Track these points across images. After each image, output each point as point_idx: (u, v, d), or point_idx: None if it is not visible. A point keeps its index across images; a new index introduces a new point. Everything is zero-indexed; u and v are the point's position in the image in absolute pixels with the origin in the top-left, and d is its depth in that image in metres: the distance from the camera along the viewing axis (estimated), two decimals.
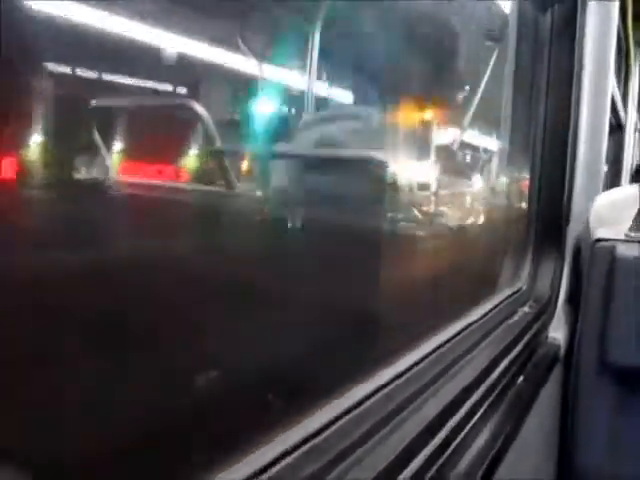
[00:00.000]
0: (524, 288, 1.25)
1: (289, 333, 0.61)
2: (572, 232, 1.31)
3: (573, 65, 1.22)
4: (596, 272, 1.18)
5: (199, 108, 1.07)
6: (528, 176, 1.34)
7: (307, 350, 0.62)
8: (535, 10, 1.27)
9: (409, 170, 0.99)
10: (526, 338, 1.06)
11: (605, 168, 3.07)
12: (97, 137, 0.65)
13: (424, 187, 1.05)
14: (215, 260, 0.60)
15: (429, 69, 1.24)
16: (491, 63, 1.65)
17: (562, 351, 1.20)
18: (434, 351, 0.76)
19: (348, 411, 0.54)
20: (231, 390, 0.52)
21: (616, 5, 1.31)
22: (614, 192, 1.81)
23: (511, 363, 0.93)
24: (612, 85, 1.44)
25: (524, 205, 1.37)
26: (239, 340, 0.55)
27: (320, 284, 0.71)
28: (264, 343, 0.57)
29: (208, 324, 0.52)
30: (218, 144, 1.06)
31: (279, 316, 0.61)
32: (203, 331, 0.52)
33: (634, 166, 3.81)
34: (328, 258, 0.74)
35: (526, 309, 1.18)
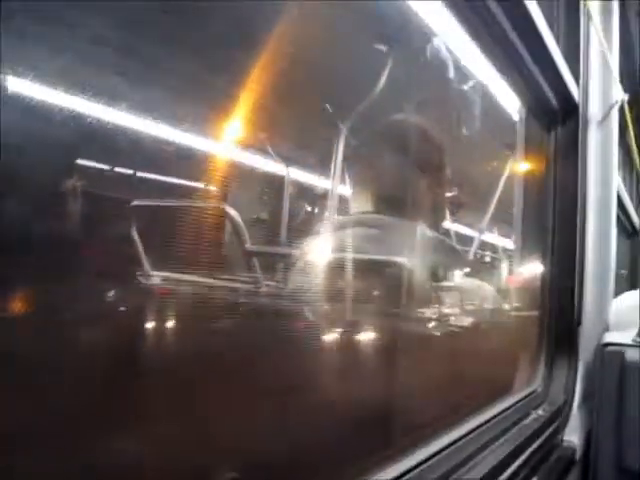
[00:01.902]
0: (539, 390, 1.28)
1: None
2: (585, 334, 1.35)
3: (577, 178, 1.31)
4: (607, 376, 1.21)
5: (231, 210, 1.18)
6: (540, 276, 1.40)
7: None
8: (540, 128, 1.39)
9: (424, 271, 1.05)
10: (540, 440, 1.08)
11: (624, 272, 3.12)
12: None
13: (438, 288, 1.12)
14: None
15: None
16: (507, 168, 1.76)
17: (578, 454, 1.20)
18: (446, 447, 0.80)
19: None
20: None
21: (616, 126, 1.43)
22: (629, 295, 1.85)
23: (524, 464, 0.96)
24: (616, 196, 1.52)
25: (537, 306, 1.42)
26: None
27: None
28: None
29: None
30: (248, 245, 1.15)
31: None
32: None
33: None
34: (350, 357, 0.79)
35: (540, 411, 1.20)
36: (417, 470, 0.69)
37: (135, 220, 0.63)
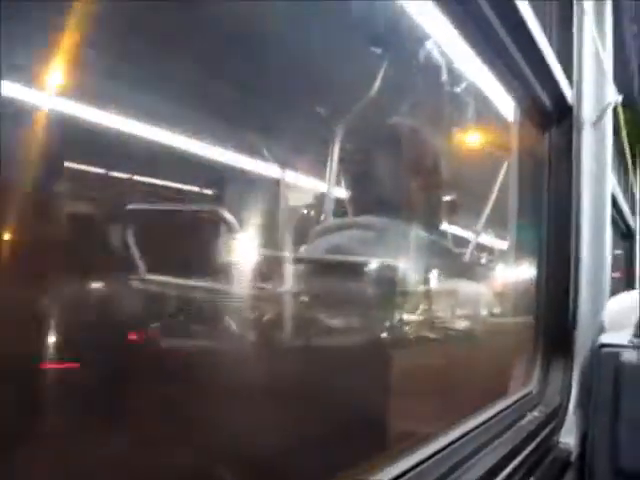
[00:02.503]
0: (534, 392, 1.28)
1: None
2: (580, 336, 1.35)
3: (571, 181, 1.31)
4: (603, 378, 1.21)
5: (227, 215, 1.17)
6: (535, 277, 1.40)
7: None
8: (535, 129, 1.39)
9: (415, 276, 1.05)
10: (536, 442, 1.08)
11: (618, 274, 3.12)
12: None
13: (427, 294, 1.11)
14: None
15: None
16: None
17: (574, 456, 1.20)
18: (442, 449, 0.80)
19: None
20: None
21: (609, 128, 1.43)
22: (624, 296, 1.85)
23: (520, 466, 0.96)
24: (611, 197, 1.53)
25: (532, 308, 1.42)
26: None
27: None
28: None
29: None
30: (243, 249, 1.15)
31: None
32: None
33: None
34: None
35: (536, 413, 1.20)
36: (412, 473, 0.69)
37: None
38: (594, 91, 1.42)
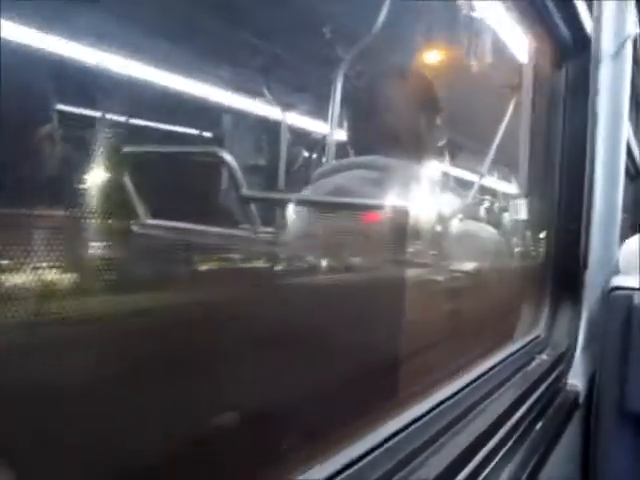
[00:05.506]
0: (542, 335, 1.26)
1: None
2: (590, 279, 1.33)
3: (587, 117, 1.26)
4: (613, 321, 1.19)
5: (227, 155, 1.12)
6: (546, 219, 1.36)
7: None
8: (550, 64, 1.32)
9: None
10: (544, 385, 1.07)
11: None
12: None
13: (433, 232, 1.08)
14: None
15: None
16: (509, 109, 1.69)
17: (582, 398, 1.20)
18: (452, 396, 0.78)
19: (366, 455, 0.56)
20: None
21: (629, 62, 1.36)
22: (636, 239, 1.82)
23: (529, 409, 0.95)
24: (627, 136, 1.47)
25: (542, 251, 1.39)
26: None
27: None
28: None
29: None
30: (244, 190, 1.11)
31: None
32: None
33: None
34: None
35: (544, 356, 1.19)
36: (423, 420, 0.67)
37: None
38: (614, 22, 1.34)
